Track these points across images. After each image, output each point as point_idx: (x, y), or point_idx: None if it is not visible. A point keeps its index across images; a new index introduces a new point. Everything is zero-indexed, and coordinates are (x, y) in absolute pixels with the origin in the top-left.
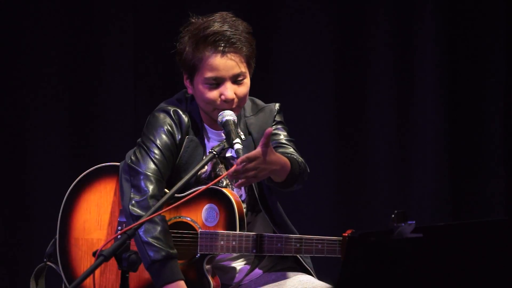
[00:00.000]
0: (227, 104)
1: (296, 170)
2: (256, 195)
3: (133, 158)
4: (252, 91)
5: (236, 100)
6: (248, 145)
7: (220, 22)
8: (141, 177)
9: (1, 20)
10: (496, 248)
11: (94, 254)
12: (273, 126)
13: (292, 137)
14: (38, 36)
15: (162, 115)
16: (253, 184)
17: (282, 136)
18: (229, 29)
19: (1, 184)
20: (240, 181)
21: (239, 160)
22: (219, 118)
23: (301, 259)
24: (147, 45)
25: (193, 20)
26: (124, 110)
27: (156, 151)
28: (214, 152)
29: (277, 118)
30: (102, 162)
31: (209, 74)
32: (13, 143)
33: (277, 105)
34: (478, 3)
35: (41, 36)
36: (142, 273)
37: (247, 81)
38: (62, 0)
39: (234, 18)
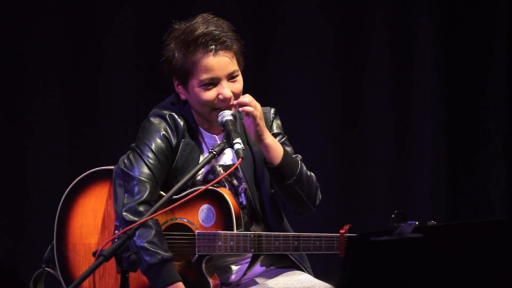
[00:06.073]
0: (225, 103)
1: (295, 165)
2: (257, 208)
3: (126, 162)
4: (252, 91)
5: (233, 98)
6: (247, 156)
7: (205, 24)
8: (135, 182)
9: (0, 21)
10: (496, 248)
11: (94, 254)
12: None
13: (292, 137)
14: (38, 38)
15: (157, 120)
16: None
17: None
18: (216, 29)
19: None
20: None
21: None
22: (219, 118)
23: (296, 261)
24: (149, 47)
25: (176, 26)
26: (126, 114)
27: (151, 155)
28: (214, 152)
29: (274, 128)
30: (104, 167)
31: (204, 76)
32: (12, 147)
33: (272, 112)
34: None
35: (41, 38)
36: (140, 276)
37: (240, 78)
38: (63, 1)
39: (216, 18)
